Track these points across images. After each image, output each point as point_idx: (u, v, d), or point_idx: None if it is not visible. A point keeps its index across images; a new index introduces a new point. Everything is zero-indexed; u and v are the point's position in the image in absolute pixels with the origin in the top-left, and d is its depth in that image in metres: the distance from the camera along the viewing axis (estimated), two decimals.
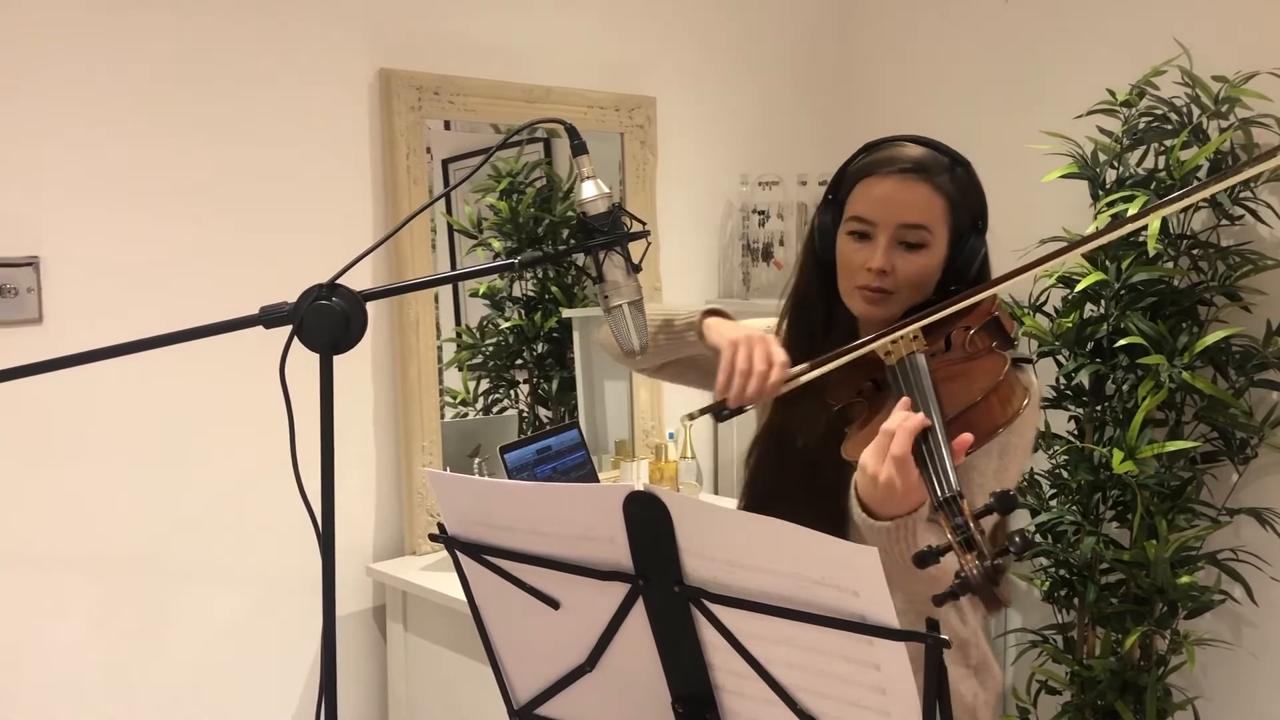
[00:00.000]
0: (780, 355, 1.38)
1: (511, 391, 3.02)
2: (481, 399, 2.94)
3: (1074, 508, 2.56)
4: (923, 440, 1.17)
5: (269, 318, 1.34)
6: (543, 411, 3.03)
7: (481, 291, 2.96)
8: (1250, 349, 2.47)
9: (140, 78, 2.08)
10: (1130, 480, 2.37)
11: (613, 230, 1.49)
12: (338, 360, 2.50)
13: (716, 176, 3.13)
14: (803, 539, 0.94)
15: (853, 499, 1.26)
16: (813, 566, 0.95)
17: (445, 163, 2.86)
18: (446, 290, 2.87)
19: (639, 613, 1.11)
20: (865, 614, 0.94)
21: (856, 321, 1.51)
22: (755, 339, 1.40)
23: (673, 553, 1.05)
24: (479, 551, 1.18)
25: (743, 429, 3.17)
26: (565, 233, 2.97)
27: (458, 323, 2.88)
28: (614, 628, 1.14)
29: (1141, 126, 2.48)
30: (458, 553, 1.21)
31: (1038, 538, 2.60)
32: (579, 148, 1.51)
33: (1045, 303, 2.67)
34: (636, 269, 1.52)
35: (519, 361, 3.03)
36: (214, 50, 2.16)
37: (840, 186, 1.49)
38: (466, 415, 2.86)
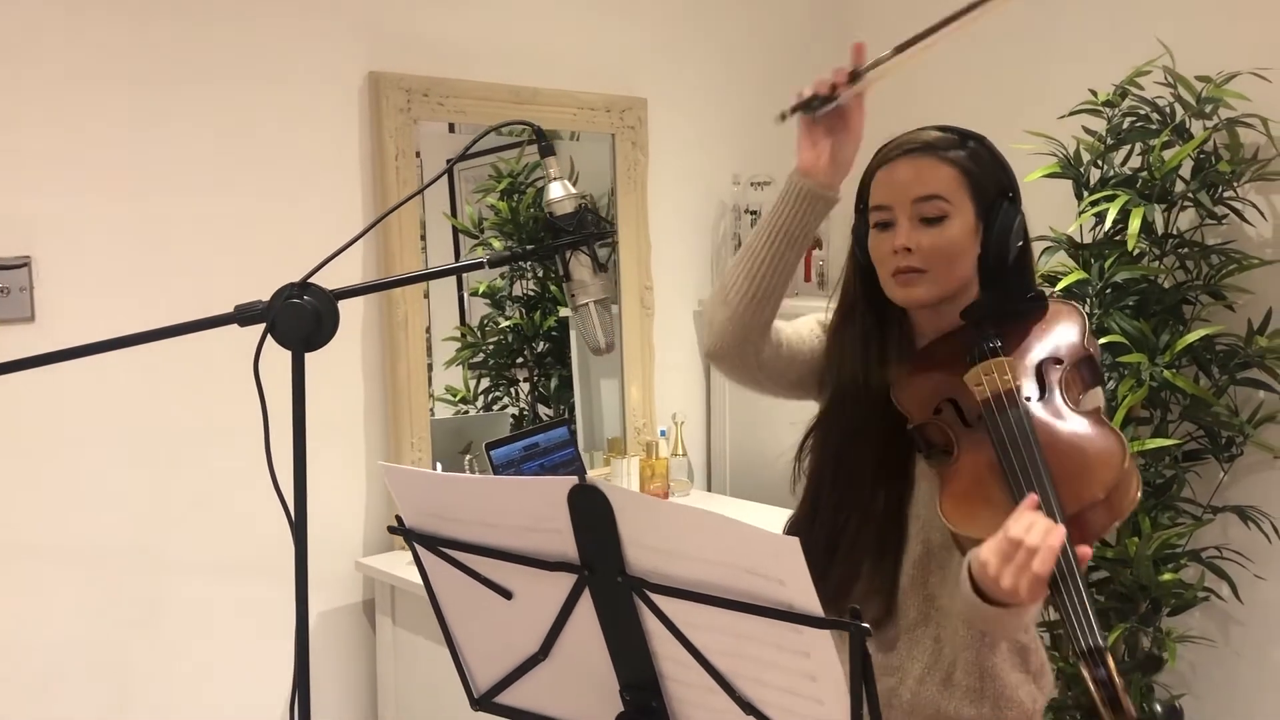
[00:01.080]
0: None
1: (512, 389, 3.05)
2: (482, 397, 2.98)
3: None
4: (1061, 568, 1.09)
5: (243, 316, 1.38)
6: (543, 409, 3.06)
7: (482, 290, 3.00)
8: (1234, 348, 2.48)
9: (131, 79, 2.12)
10: None
11: (579, 230, 1.52)
12: (328, 358, 2.55)
13: (709, 176, 3.15)
14: (731, 529, 0.97)
15: (964, 575, 1.22)
16: (742, 556, 0.98)
17: (450, 163, 2.90)
18: (449, 289, 2.91)
19: (586, 602, 1.14)
20: (793, 602, 0.97)
21: (909, 319, 1.49)
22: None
23: (615, 544, 1.08)
24: (434, 543, 1.21)
25: (734, 429, 3.20)
26: None
27: (461, 322, 2.92)
28: (564, 617, 1.17)
29: (1125, 126, 2.50)
30: (415, 544, 1.24)
31: None
32: (546, 149, 1.55)
33: None
34: (603, 268, 1.55)
35: (519, 360, 3.07)
36: (204, 52, 2.20)
37: (863, 195, 1.48)
38: (468, 413, 2.90)
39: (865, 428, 1.45)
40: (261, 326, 1.32)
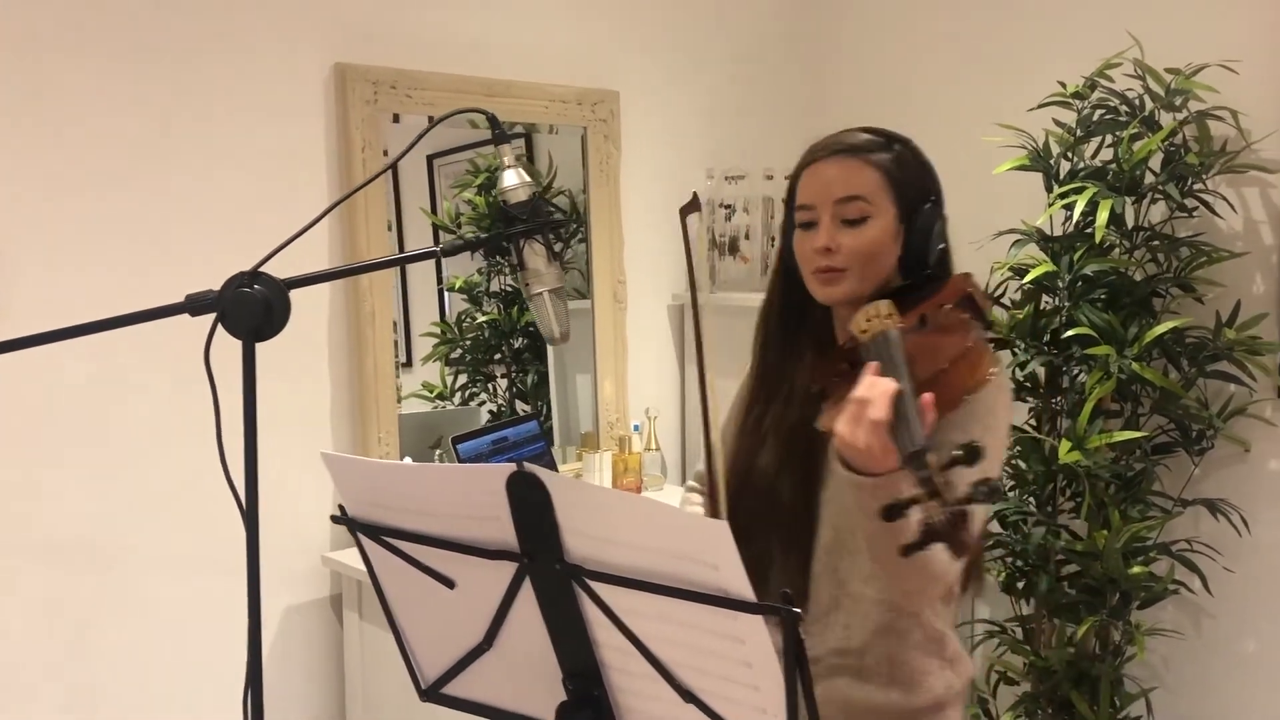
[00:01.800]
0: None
1: (489, 385, 3.04)
2: (460, 393, 2.96)
3: (1029, 498, 2.58)
4: (892, 405, 1.19)
5: (193, 305, 1.38)
6: (521, 405, 3.05)
7: (458, 286, 2.99)
8: (1204, 340, 2.48)
9: (95, 68, 2.11)
10: (1079, 470, 2.38)
11: (532, 218, 1.51)
12: (294, 351, 2.53)
13: (682, 170, 3.14)
14: (663, 514, 0.96)
15: (834, 461, 1.28)
16: (674, 541, 0.97)
17: (430, 158, 2.89)
18: (429, 285, 2.90)
19: (528, 591, 1.13)
20: (727, 587, 0.96)
21: (831, 315, 1.52)
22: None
23: (554, 531, 1.07)
24: (377, 532, 1.20)
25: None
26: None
27: (441, 318, 2.91)
28: (506, 606, 1.16)
29: (1095, 119, 2.49)
30: (358, 534, 1.23)
31: (995, 526, 2.61)
32: (500, 137, 1.53)
33: (1003, 295, 2.68)
34: (558, 257, 1.54)
35: (497, 356, 3.06)
36: (168, 43, 2.19)
37: (790, 193, 1.52)
38: (444, 409, 2.89)
39: (781, 416, 1.49)
40: (213, 316, 1.32)
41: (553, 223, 1.53)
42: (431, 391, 2.87)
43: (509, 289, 3.01)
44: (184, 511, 2.25)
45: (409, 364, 2.89)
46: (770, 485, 1.49)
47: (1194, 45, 2.53)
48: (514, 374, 3.07)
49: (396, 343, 2.61)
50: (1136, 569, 2.42)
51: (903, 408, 1.18)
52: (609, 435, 2.98)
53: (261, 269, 1.34)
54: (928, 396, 1.19)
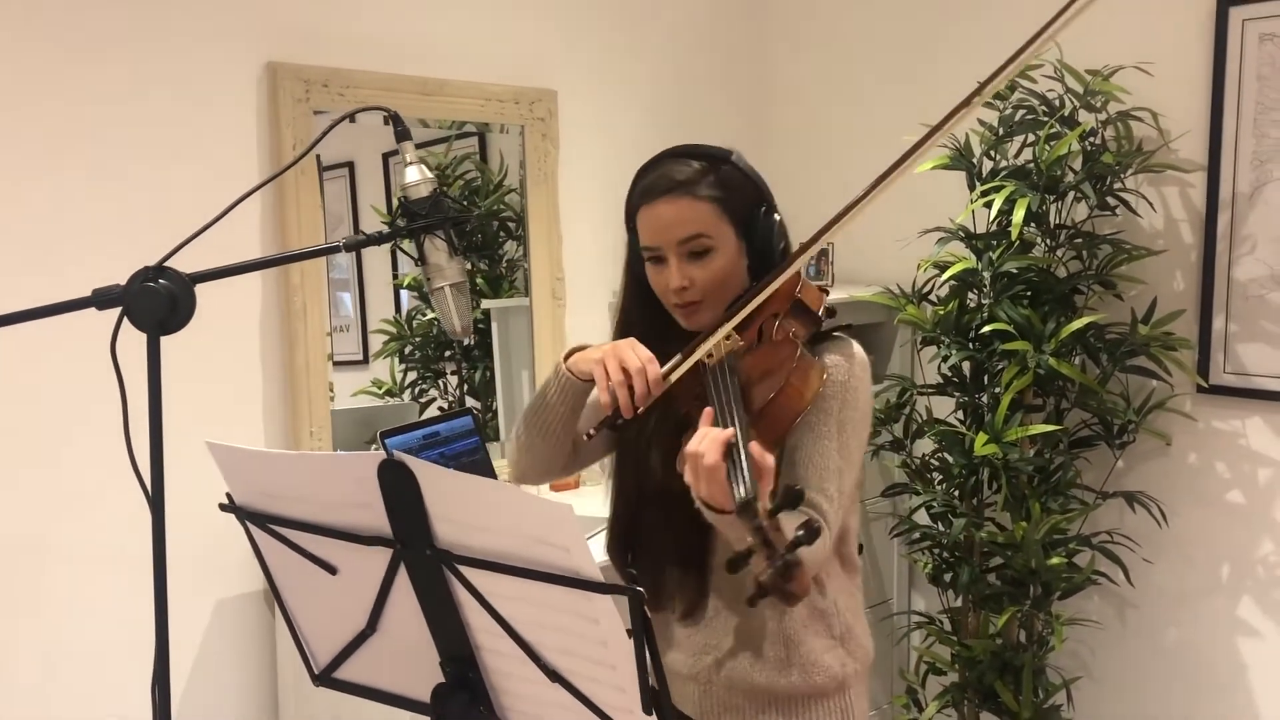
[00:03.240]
0: (647, 352, 1.44)
1: (439, 382, 3.06)
2: (410, 390, 2.99)
3: (954, 491, 2.63)
4: (728, 451, 1.23)
5: (100, 300, 1.40)
6: (471, 402, 3.07)
7: (408, 283, 3.01)
8: (1123, 336, 2.53)
9: (15, 61, 2.11)
10: (996, 462, 2.43)
11: (433, 213, 1.54)
12: (225, 347, 2.54)
13: (623, 168, 3.15)
14: (515, 499, 0.99)
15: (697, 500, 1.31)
16: (528, 525, 1.00)
17: (386, 156, 2.91)
18: (384, 280, 2.92)
19: (404, 576, 1.16)
20: (579, 569, 0.99)
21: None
22: (621, 347, 1.46)
23: (423, 518, 1.10)
24: (261, 520, 1.23)
25: None
26: (495, 225, 3.02)
27: (397, 313, 2.93)
28: (385, 591, 1.19)
29: (1016, 119, 2.54)
30: (245, 522, 1.26)
31: (920, 518, 2.66)
32: (402, 134, 1.56)
33: (930, 291, 2.73)
34: (459, 252, 1.57)
35: (448, 353, 3.08)
36: (96, 39, 2.20)
37: (630, 217, 1.59)
38: (387, 404, 2.91)
39: (654, 434, 1.55)
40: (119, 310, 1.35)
41: (457, 220, 1.56)
42: (381, 388, 2.89)
43: None
44: (107, 507, 2.26)
45: (365, 361, 2.91)
46: (664, 488, 1.50)
47: (1113, 48, 2.59)
48: (464, 371, 3.09)
49: (331, 337, 2.63)
50: (1056, 560, 2.47)
51: (735, 455, 1.22)
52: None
53: (168, 264, 1.37)
54: (755, 446, 1.23)
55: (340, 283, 2.79)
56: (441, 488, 1.07)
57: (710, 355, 1.44)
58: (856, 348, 1.53)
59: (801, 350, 1.42)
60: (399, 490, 1.09)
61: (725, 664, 1.51)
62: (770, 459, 1.22)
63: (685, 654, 1.55)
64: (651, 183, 1.53)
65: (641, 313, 1.61)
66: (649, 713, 1.02)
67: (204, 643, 2.44)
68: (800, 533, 1.09)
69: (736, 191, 1.52)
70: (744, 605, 1.46)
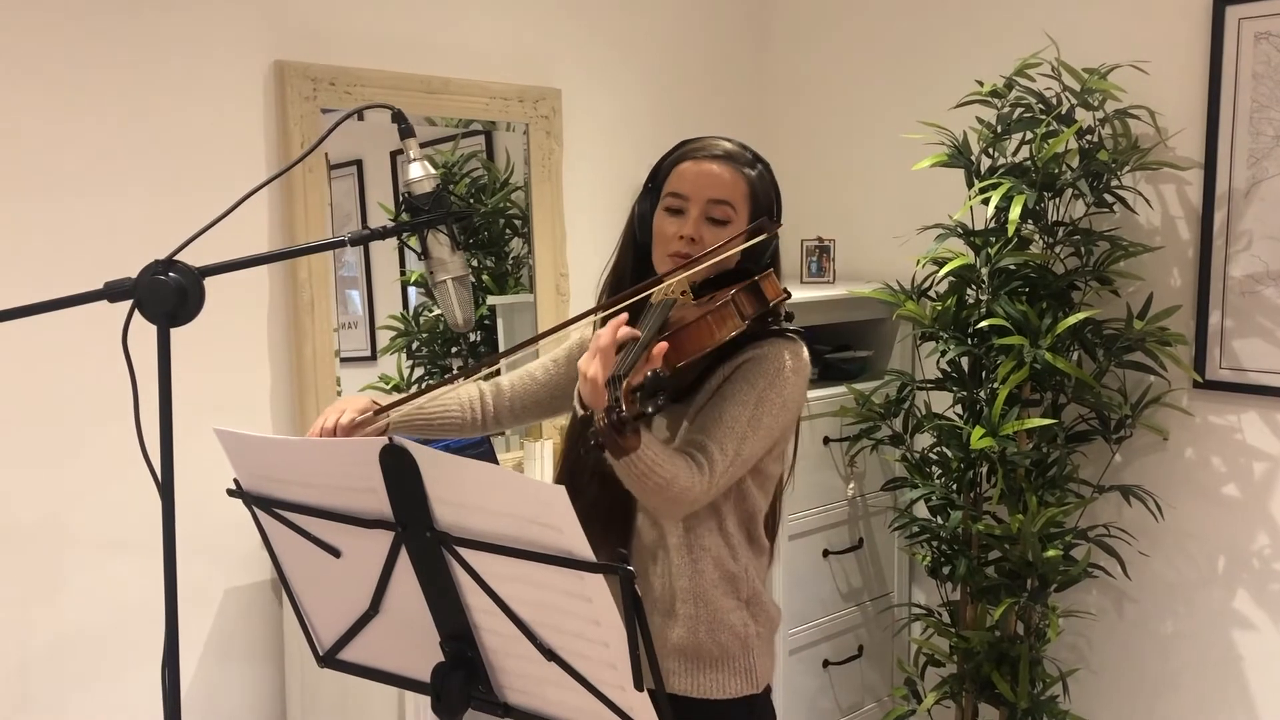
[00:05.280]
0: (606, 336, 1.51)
1: (445, 377, 3.10)
2: (416, 385, 3.02)
3: (952, 484, 2.66)
4: (627, 348, 1.35)
5: (111, 292, 1.44)
6: None
7: (415, 280, 3.05)
8: (1119, 332, 2.56)
9: (37, 53, 2.15)
10: (993, 456, 2.46)
11: (435, 209, 1.58)
12: (235, 340, 2.57)
13: (625, 166, 3.21)
14: (510, 481, 1.03)
15: (575, 398, 1.43)
16: (522, 506, 1.04)
17: (394, 155, 2.95)
18: (392, 276, 2.96)
19: (405, 558, 1.20)
20: (571, 549, 1.03)
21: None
22: (589, 354, 1.47)
23: (423, 501, 1.14)
24: (267, 504, 1.27)
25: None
26: (501, 222, 3.06)
27: (404, 309, 2.97)
28: (387, 573, 1.23)
29: (1014, 117, 2.57)
30: (252, 507, 1.30)
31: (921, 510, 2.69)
32: (406, 131, 1.61)
33: (929, 287, 2.76)
34: (461, 246, 1.61)
35: (454, 349, 3.12)
36: (104, 39, 2.24)
37: (658, 175, 1.70)
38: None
39: None
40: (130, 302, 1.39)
41: (458, 215, 1.60)
42: (389, 383, 2.93)
43: None
44: (119, 495, 2.30)
45: (372, 357, 2.95)
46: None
47: (1110, 46, 2.62)
48: (470, 366, 3.13)
49: (339, 333, 2.67)
50: (1053, 553, 2.50)
51: (630, 350, 1.33)
52: (551, 424, 3.04)
53: (177, 258, 1.40)
54: (660, 345, 1.33)
55: (349, 280, 2.83)
56: (440, 471, 1.11)
57: (657, 296, 1.53)
58: (804, 350, 1.63)
59: (734, 309, 1.49)
60: (400, 474, 1.13)
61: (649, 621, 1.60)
62: (659, 362, 1.32)
63: None
64: (705, 144, 1.65)
65: (633, 271, 1.70)
66: (640, 689, 1.06)
67: (213, 631, 2.48)
68: (650, 410, 1.19)
69: (764, 192, 1.66)
70: (660, 564, 1.61)
